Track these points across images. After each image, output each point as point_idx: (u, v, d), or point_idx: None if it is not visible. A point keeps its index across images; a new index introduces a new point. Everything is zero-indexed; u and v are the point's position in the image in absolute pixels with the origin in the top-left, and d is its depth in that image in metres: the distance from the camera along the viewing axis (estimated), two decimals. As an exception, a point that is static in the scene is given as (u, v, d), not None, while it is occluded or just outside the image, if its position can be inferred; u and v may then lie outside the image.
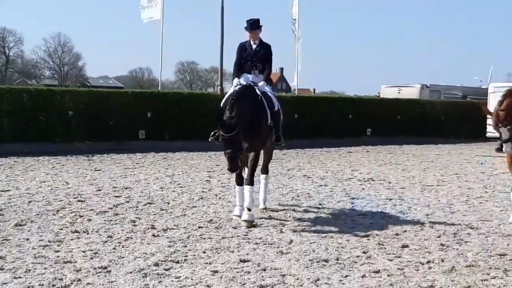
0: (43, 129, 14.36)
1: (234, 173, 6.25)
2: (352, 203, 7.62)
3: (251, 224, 5.87)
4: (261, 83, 6.62)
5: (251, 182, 6.24)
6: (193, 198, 7.73)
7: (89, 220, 6.05)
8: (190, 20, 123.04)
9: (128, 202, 7.28)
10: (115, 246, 4.90)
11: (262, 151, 6.69)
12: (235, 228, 5.89)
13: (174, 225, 5.91)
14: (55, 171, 10.29)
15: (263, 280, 3.97)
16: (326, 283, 3.97)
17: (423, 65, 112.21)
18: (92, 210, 6.62)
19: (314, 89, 62.44)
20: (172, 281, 3.93)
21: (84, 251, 4.66)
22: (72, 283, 3.75)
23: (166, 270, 4.18)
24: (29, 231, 5.45)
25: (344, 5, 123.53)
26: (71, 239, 5.13)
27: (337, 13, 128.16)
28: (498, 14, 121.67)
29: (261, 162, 6.90)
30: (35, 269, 4.06)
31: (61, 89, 19.76)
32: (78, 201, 7.21)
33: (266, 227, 5.95)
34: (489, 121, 6.36)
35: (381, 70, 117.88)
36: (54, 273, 3.96)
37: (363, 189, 9.02)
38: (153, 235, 5.41)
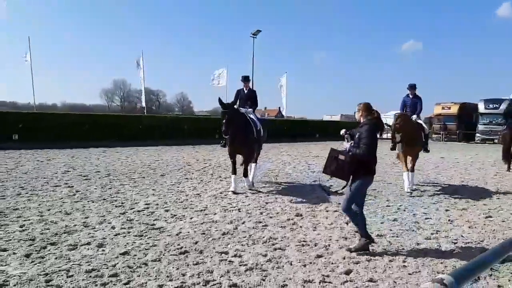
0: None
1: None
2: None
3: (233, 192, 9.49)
4: (249, 110, 10.59)
5: (245, 174, 10.09)
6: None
7: (192, 173, 11.90)
8: None
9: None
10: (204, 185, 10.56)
11: (249, 153, 10.13)
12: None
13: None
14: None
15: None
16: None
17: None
18: (194, 170, 12.46)
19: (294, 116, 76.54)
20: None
21: (189, 187, 10.36)
22: (186, 199, 9.40)
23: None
24: (170, 177, 11.54)
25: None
26: (185, 183, 10.96)
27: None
28: None
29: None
30: (172, 194, 9.78)
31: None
32: (188, 165, 13.15)
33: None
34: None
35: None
36: (178, 194, 9.64)
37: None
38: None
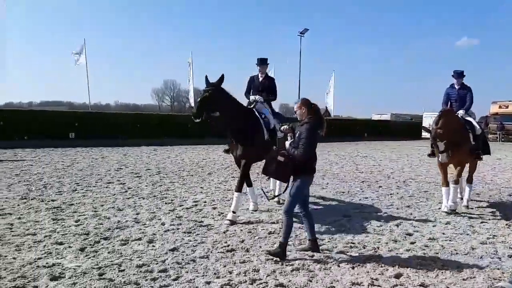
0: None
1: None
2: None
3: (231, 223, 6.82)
4: (259, 99, 8.08)
5: (239, 189, 7.10)
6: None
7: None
8: None
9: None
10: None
11: (251, 159, 7.38)
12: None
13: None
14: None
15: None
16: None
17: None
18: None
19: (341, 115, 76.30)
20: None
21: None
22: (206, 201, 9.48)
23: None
24: (217, 175, 11.67)
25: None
26: (232, 181, 11.03)
27: None
28: None
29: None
30: (219, 192, 9.89)
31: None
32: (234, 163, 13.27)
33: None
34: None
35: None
36: (225, 192, 9.72)
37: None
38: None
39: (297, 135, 5.31)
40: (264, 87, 8.34)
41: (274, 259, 5.15)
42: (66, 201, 8.09)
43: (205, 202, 8.43)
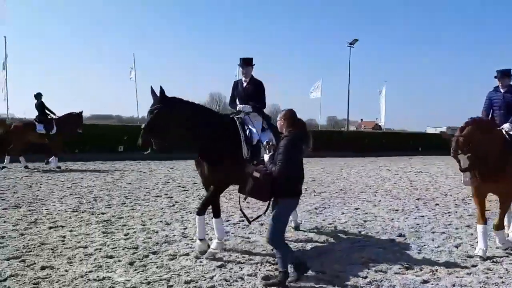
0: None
1: None
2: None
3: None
4: (246, 108, 6.44)
5: (201, 212, 5.89)
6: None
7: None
8: None
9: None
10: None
11: (224, 182, 6.02)
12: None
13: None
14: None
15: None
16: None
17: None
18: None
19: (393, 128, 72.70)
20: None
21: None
22: None
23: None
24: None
25: None
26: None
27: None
28: None
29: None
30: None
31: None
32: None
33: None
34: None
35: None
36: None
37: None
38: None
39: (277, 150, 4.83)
40: (248, 93, 6.65)
41: (324, 279, 4.95)
42: (116, 215, 8.20)
43: (251, 217, 8.28)
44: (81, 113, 16.85)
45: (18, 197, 9.76)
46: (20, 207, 8.66)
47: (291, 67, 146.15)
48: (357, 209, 9.51)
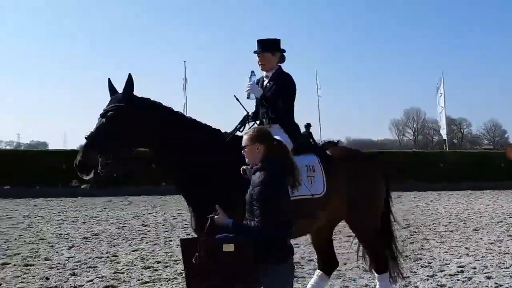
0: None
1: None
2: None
3: None
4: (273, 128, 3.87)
5: None
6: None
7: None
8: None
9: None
10: None
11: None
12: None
13: None
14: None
15: None
16: None
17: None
18: None
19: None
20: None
21: None
22: None
23: None
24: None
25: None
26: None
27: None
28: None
29: None
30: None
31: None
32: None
33: None
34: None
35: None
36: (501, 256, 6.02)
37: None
38: None
39: (248, 192, 3.01)
40: (266, 96, 4.20)
41: None
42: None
43: (474, 268, 6.67)
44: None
45: None
46: None
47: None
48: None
